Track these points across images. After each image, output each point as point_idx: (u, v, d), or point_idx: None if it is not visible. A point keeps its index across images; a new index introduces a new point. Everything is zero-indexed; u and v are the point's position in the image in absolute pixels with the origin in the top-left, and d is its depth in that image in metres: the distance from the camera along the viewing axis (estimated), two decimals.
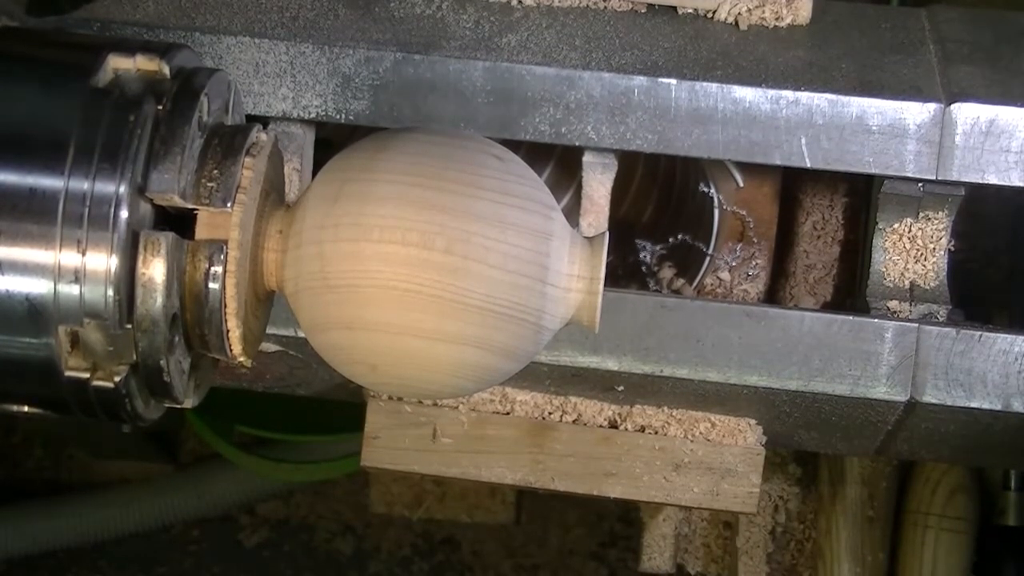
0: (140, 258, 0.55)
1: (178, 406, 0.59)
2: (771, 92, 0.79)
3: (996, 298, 0.93)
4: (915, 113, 0.78)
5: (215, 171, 0.57)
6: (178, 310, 0.57)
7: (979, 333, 0.79)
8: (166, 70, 0.57)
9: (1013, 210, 0.89)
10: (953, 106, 0.78)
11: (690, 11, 0.84)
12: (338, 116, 0.80)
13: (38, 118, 0.55)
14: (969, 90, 0.79)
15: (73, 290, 0.54)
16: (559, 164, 0.94)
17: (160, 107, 0.56)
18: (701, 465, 0.86)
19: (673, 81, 0.79)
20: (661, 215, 0.98)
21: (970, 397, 0.79)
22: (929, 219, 0.81)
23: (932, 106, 0.78)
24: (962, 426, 0.83)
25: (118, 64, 0.57)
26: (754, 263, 0.89)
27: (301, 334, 0.59)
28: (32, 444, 1.88)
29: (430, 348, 0.56)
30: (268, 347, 0.83)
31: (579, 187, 0.82)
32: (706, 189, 0.89)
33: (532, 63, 0.79)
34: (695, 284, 0.89)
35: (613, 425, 0.87)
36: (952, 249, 0.82)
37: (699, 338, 0.80)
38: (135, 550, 1.80)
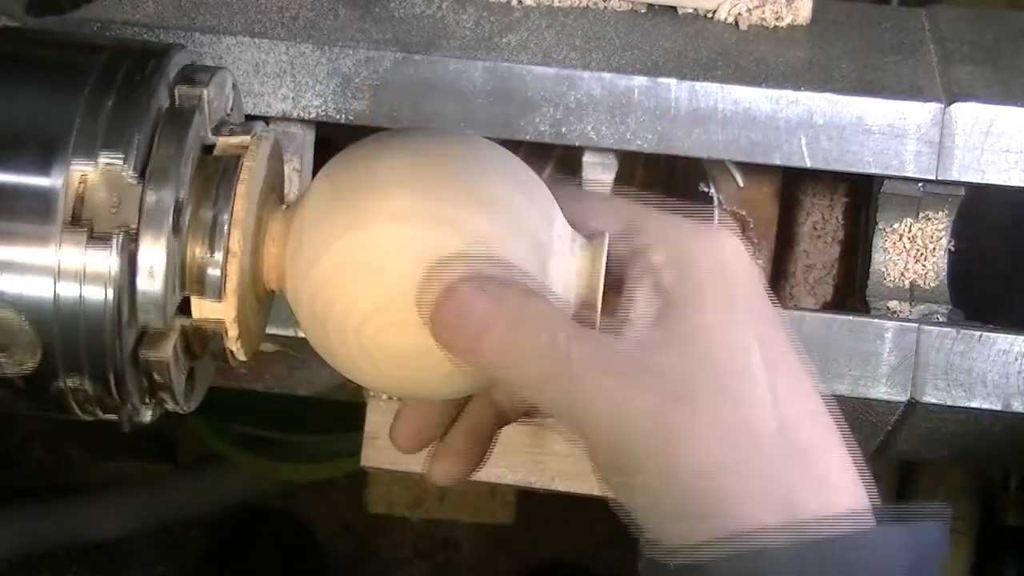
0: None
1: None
2: (771, 92, 0.79)
3: (996, 298, 0.93)
4: (915, 113, 0.78)
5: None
6: None
7: (979, 333, 0.79)
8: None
9: (1013, 210, 0.89)
10: (953, 106, 0.78)
11: (690, 11, 0.84)
12: (338, 116, 0.80)
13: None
14: (969, 90, 0.79)
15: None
16: (559, 164, 0.94)
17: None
18: None
19: (673, 81, 0.79)
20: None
21: (970, 397, 0.79)
22: (929, 219, 0.81)
23: (932, 106, 0.78)
24: (962, 426, 0.83)
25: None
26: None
27: (301, 334, 0.59)
28: (32, 444, 1.88)
29: None
30: (268, 347, 0.83)
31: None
32: (706, 189, 0.89)
33: (532, 63, 0.79)
34: None
35: None
36: (952, 249, 0.82)
37: None
38: (135, 550, 1.80)
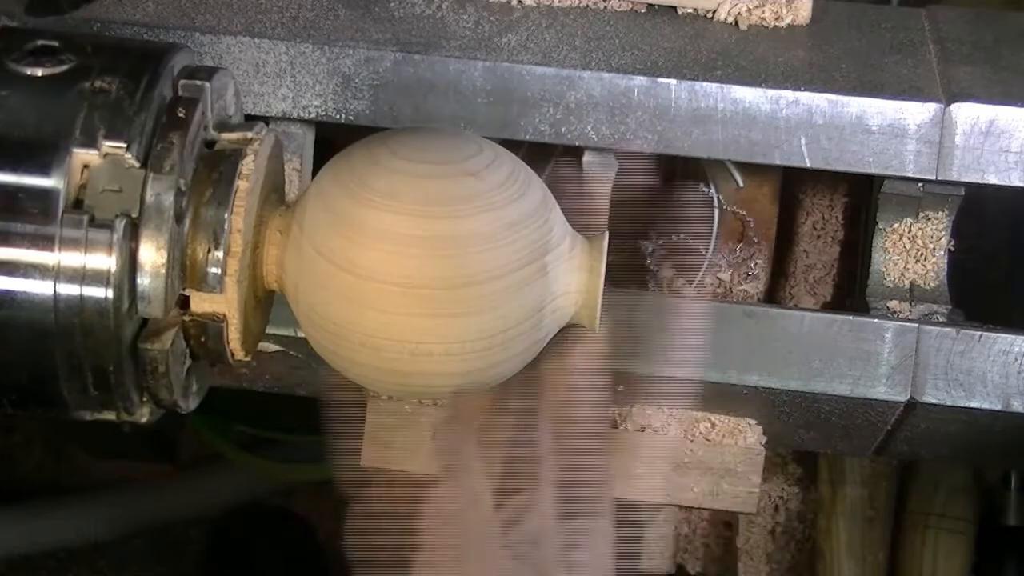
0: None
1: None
2: (771, 92, 0.79)
3: (996, 298, 0.93)
4: (915, 113, 0.78)
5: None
6: None
7: (979, 333, 0.79)
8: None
9: (1013, 210, 0.89)
10: (953, 106, 0.78)
11: (690, 11, 0.84)
12: (338, 116, 0.80)
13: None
14: (969, 90, 0.79)
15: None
16: (559, 164, 0.94)
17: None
18: (701, 465, 0.86)
19: (673, 81, 0.79)
20: (661, 215, 0.98)
21: (970, 397, 0.79)
22: (929, 219, 0.81)
23: (932, 106, 0.78)
24: (962, 426, 0.83)
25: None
26: (754, 263, 0.89)
27: (301, 334, 0.59)
28: (32, 444, 1.87)
29: None
30: (268, 347, 0.83)
31: None
32: (706, 189, 0.89)
33: (532, 63, 0.79)
34: (695, 284, 0.89)
35: (613, 425, 0.87)
36: (952, 249, 0.82)
37: None
38: (135, 550, 1.80)
